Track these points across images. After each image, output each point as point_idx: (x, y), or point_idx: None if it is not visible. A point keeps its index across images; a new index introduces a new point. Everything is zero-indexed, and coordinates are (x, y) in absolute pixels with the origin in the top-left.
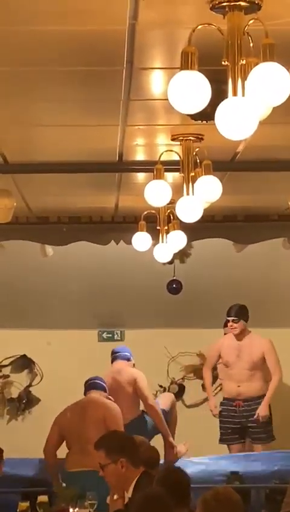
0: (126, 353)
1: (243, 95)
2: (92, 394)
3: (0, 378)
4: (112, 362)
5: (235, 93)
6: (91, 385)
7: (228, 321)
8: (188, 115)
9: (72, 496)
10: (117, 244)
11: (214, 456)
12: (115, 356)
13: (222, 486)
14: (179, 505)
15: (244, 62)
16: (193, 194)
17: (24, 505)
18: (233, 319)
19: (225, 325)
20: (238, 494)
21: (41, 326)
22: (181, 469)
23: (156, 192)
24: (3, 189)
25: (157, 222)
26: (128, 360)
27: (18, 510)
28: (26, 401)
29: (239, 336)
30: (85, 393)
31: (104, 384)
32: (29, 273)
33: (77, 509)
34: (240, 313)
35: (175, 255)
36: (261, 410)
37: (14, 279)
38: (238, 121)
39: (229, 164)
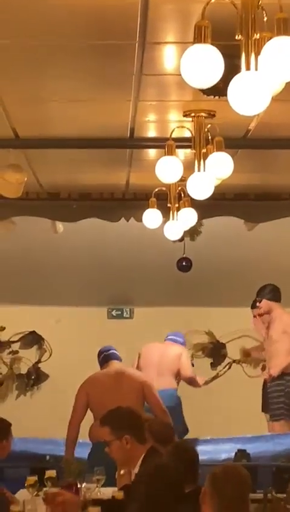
0: (177, 338)
1: (256, 69)
2: (116, 365)
3: (9, 354)
4: None
5: (248, 68)
6: (111, 355)
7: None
8: (200, 90)
9: (79, 470)
10: (127, 221)
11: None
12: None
13: (231, 462)
14: (187, 480)
15: (258, 36)
16: (204, 171)
17: (32, 479)
18: (259, 300)
19: (252, 306)
20: (247, 471)
21: (51, 303)
22: (190, 445)
23: (167, 169)
24: (14, 164)
25: (168, 199)
26: (178, 341)
27: (26, 484)
28: (35, 377)
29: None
30: (103, 363)
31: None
32: (39, 250)
33: (84, 484)
34: (266, 292)
35: (185, 233)
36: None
37: (24, 255)
38: (251, 95)
39: (241, 141)
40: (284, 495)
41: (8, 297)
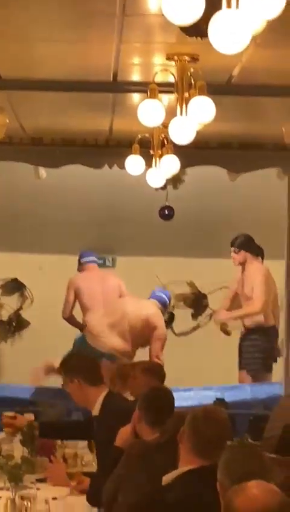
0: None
1: (237, 7)
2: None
3: None
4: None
5: (229, 6)
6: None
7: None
8: (182, 30)
9: None
10: (111, 168)
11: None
12: None
13: (211, 405)
14: (159, 423)
15: None
16: (186, 115)
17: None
18: (234, 250)
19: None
20: (226, 413)
21: (33, 251)
22: (167, 389)
23: (149, 112)
24: None
25: (151, 146)
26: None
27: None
28: (16, 324)
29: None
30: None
31: None
32: (22, 196)
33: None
34: (242, 244)
35: (168, 181)
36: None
37: (6, 201)
38: (231, 33)
39: (224, 87)
40: (260, 442)
41: None
